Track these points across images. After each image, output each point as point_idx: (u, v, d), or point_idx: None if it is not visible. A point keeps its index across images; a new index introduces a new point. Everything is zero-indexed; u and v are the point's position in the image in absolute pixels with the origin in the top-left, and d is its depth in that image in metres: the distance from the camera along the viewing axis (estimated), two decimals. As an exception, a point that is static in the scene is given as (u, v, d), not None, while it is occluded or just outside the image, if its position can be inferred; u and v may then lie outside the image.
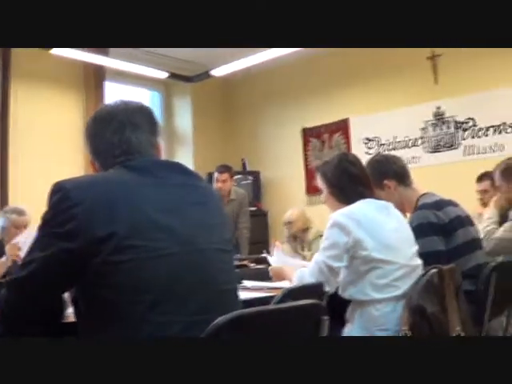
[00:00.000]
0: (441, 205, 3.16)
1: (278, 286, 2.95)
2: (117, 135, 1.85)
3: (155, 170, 1.79)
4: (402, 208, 3.09)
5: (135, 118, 1.88)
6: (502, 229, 3.77)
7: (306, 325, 1.73)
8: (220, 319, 1.44)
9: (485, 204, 4.82)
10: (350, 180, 2.81)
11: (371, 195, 2.82)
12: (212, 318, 1.45)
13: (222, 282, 1.78)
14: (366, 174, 2.89)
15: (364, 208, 2.69)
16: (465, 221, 3.20)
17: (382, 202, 2.81)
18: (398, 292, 2.58)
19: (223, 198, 6.39)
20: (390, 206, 2.84)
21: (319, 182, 2.92)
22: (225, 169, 6.60)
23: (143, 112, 1.93)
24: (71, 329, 1.77)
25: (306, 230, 6.51)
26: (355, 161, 2.89)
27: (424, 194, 3.30)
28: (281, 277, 3.16)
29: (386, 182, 3.21)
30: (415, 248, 2.77)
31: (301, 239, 6.57)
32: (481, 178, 5.35)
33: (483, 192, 5.24)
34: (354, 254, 2.59)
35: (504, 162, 4.03)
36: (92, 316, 1.66)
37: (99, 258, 1.57)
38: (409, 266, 2.65)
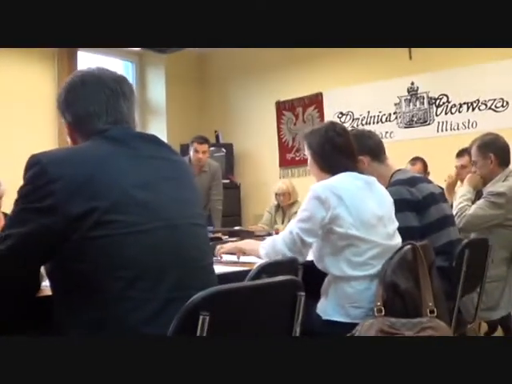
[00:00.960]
0: (414, 181, 3.18)
1: (251, 261, 2.95)
2: (110, 102, 1.82)
3: (132, 142, 1.77)
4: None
5: (124, 87, 1.86)
6: (474, 206, 3.80)
7: (282, 301, 1.73)
8: (197, 296, 1.43)
9: (462, 180, 4.84)
10: (333, 150, 2.76)
11: (355, 168, 2.79)
12: (189, 295, 1.44)
13: (199, 257, 1.78)
14: (351, 145, 2.83)
15: (346, 182, 2.65)
16: (438, 197, 3.22)
17: (366, 177, 2.77)
18: (373, 270, 2.58)
19: (195, 169, 6.30)
20: (374, 180, 2.81)
21: (305, 149, 2.90)
22: (204, 140, 6.51)
23: (127, 82, 1.90)
24: (47, 303, 1.75)
25: (294, 203, 6.52)
26: (342, 132, 2.83)
27: (398, 171, 3.31)
28: (243, 251, 3.07)
29: (360, 157, 3.18)
30: (395, 226, 2.76)
31: (284, 211, 6.58)
32: (460, 153, 5.37)
33: (462, 167, 5.26)
34: (331, 229, 2.57)
35: (481, 137, 4.06)
36: (69, 291, 1.65)
37: (77, 234, 1.56)
38: (386, 245, 2.64)
